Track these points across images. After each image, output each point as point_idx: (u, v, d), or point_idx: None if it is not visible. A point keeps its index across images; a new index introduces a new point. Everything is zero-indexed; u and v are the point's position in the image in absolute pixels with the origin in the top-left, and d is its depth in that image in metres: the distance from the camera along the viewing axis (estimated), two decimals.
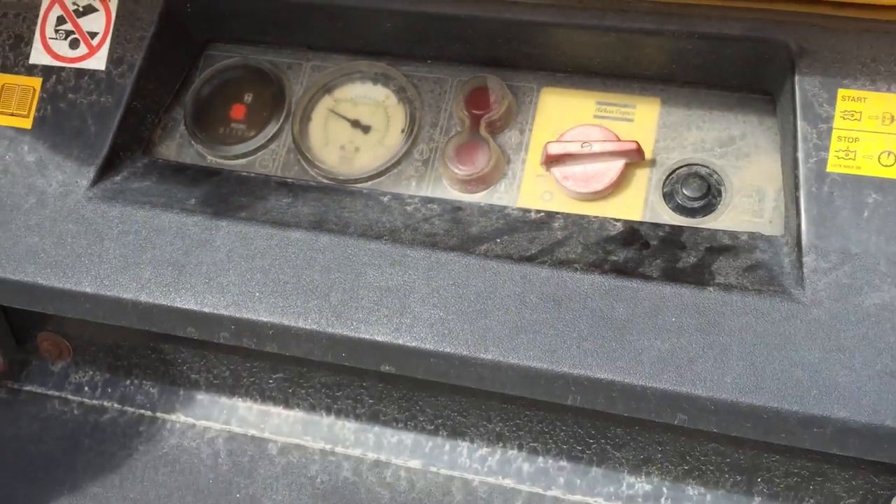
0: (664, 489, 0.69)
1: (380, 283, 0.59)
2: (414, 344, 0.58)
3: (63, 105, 0.68)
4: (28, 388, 0.83)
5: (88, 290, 0.63)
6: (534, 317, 0.57)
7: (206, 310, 0.61)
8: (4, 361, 0.82)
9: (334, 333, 0.59)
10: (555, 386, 0.56)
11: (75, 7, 0.69)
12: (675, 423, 0.55)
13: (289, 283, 0.60)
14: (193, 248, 0.63)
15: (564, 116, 0.65)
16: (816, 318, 0.53)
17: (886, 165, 0.54)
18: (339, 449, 0.76)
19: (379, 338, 0.58)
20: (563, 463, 0.71)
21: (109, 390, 0.81)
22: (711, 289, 0.55)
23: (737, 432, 0.54)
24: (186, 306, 0.61)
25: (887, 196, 0.54)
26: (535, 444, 0.72)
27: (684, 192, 0.62)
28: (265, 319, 0.60)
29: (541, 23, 0.63)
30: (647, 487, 0.70)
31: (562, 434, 0.70)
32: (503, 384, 0.57)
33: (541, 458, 0.72)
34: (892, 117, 0.54)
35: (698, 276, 0.56)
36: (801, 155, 0.55)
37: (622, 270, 0.57)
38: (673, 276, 0.56)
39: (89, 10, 0.68)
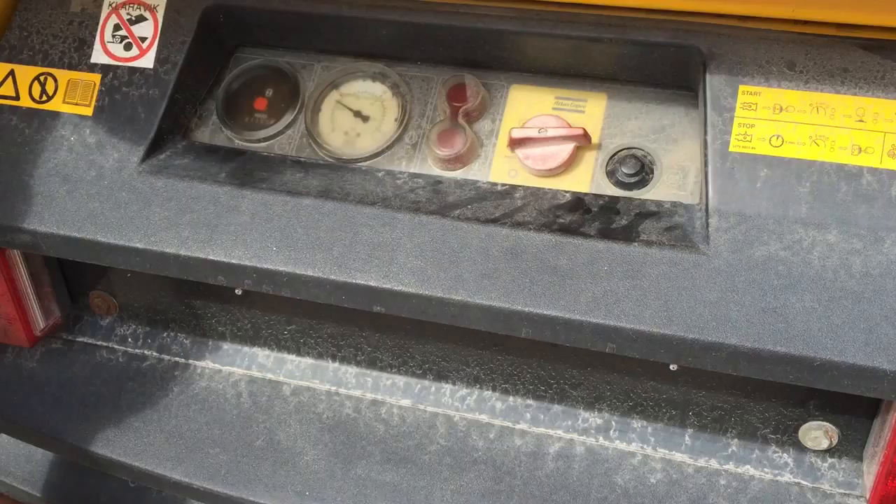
0: (613, 422, 0.82)
1: (373, 240, 0.73)
2: (399, 288, 0.71)
3: (118, 96, 0.82)
4: (80, 339, 0.97)
5: (139, 245, 0.77)
6: (495, 266, 0.70)
7: (234, 261, 0.75)
8: (61, 316, 0.97)
9: (336, 280, 0.73)
10: (511, 321, 0.70)
11: (129, 17, 0.83)
12: (607, 350, 0.68)
13: (300, 240, 0.74)
14: (223, 213, 0.77)
15: (529, 108, 0.79)
16: (717, 267, 0.66)
17: (776, 146, 0.67)
18: (342, 390, 0.89)
19: (371, 283, 0.72)
20: (530, 401, 0.85)
21: (149, 341, 0.95)
22: (636, 244, 0.69)
23: (655, 357, 0.68)
24: (217, 258, 0.75)
25: (775, 170, 0.67)
26: (506, 386, 0.85)
27: (623, 170, 0.75)
28: (281, 269, 0.74)
29: (507, 31, 0.76)
30: (599, 421, 0.83)
31: (528, 377, 0.83)
32: (470, 321, 0.71)
33: (511, 398, 0.85)
34: (781, 107, 0.68)
35: (627, 235, 0.70)
36: (709, 138, 0.69)
37: (567, 230, 0.70)
38: (607, 234, 0.70)
39: (140, 19, 0.83)
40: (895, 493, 0.70)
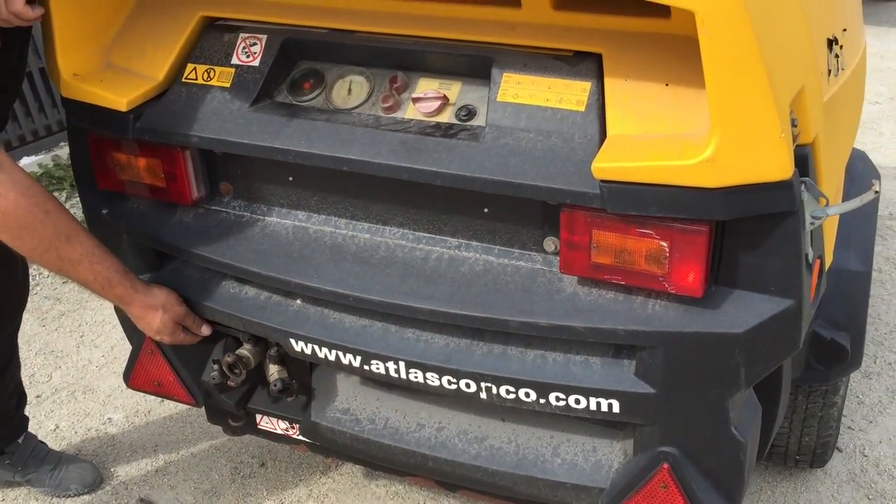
0: (460, 243, 1.68)
1: (350, 136, 1.62)
2: (352, 157, 1.60)
3: (241, 79, 1.73)
4: (213, 207, 1.88)
5: (244, 141, 1.67)
6: (401, 140, 1.58)
7: (284, 146, 1.65)
8: (205, 193, 1.88)
9: (331, 155, 1.62)
10: (398, 171, 1.57)
11: (249, 41, 1.76)
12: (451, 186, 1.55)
13: (319, 135, 1.64)
14: (282, 128, 1.67)
15: (426, 86, 1.66)
16: (487, 146, 1.53)
17: (516, 99, 1.53)
18: (337, 230, 1.76)
19: (349, 156, 1.61)
20: (425, 234, 1.71)
21: (246, 208, 1.85)
22: (457, 138, 1.56)
23: (470, 189, 1.53)
24: (279, 146, 1.65)
25: (517, 109, 1.53)
26: (418, 229, 1.71)
27: (461, 114, 1.62)
28: (305, 150, 1.63)
29: (415, 51, 1.65)
30: (456, 242, 1.68)
31: (424, 221, 1.70)
32: (373, 170, 1.58)
33: (420, 233, 1.71)
34: (520, 83, 1.54)
35: (456, 133, 1.57)
36: (490, 96, 1.56)
37: (427, 133, 1.58)
38: (449, 134, 1.57)
39: (254, 43, 1.76)
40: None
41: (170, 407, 2.91)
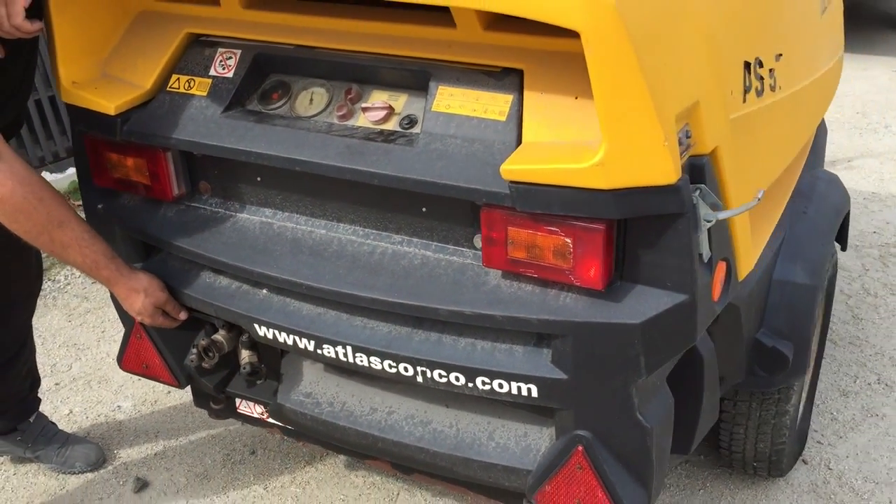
0: (401, 239, 1.86)
1: (304, 140, 1.81)
2: (306, 158, 1.79)
3: (217, 88, 1.95)
4: (192, 203, 2.09)
5: (216, 143, 1.88)
6: (347, 144, 1.77)
7: (250, 149, 1.85)
8: (185, 191, 2.08)
9: (284, 156, 1.81)
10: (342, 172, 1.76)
11: (226, 56, 1.97)
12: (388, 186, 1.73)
13: (276, 140, 1.83)
14: (248, 132, 1.87)
15: (376, 98, 1.85)
16: (419, 150, 1.70)
17: (448, 110, 1.71)
18: (297, 226, 1.95)
19: (301, 157, 1.80)
20: (373, 231, 1.89)
21: (221, 205, 2.06)
22: (393, 143, 1.74)
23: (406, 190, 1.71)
24: (245, 148, 1.85)
25: (449, 118, 1.70)
26: (367, 225, 1.89)
27: (404, 122, 1.80)
28: (265, 152, 1.83)
29: (368, 66, 1.84)
30: (398, 238, 1.86)
31: (374, 219, 1.88)
32: (323, 171, 1.77)
33: (368, 230, 1.89)
34: (452, 94, 1.71)
35: (394, 139, 1.75)
36: (426, 105, 1.74)
37: (372, 139, 1.76)
38: (388, 139, 1.75)
39: (229, 57, 1.96)
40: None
41: (173, 398, 3.12)
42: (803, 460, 2.80)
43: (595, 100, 1.43)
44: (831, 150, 5.32)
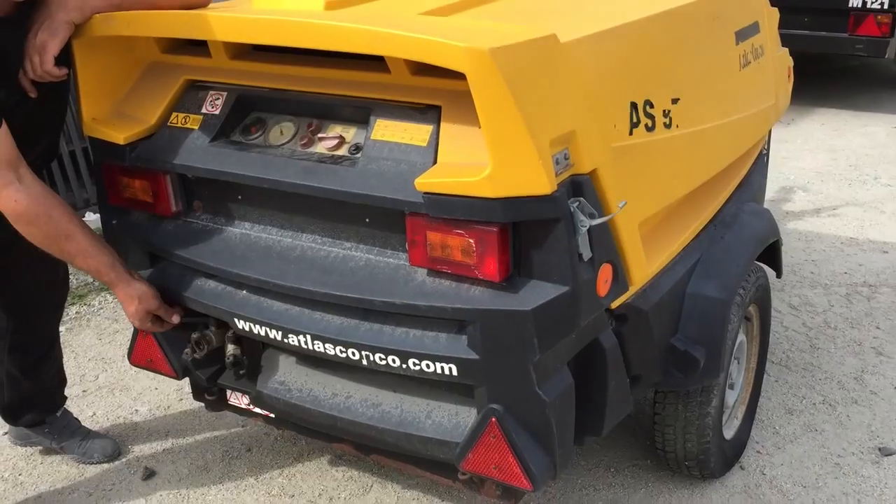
0: (351, 245, 2.25)
1: (270, 163, 2.23)
2: (275, 178, 2.20)
3: (207, 122, 2.37)
4: (188, 219, 2.50)
5: (207, 167, 2.31)
6: (305, 167, 2.18)
7: (228, 170, 2.27)
8: (182, 208, 2.50)
9: (254, 175, 2.23)
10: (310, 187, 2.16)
11: (215, 97, 2.40)
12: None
13: (250, 162, 2.25)
14: (231, 158, 2.29)
15: (332, 131, 2.27)
16: (362, 167, 2.10)
17: (390, 138, 2.11)
18: (270, 236, 2.36)
19: (270, 176, 2.21)
20: (339, 241, 2.29)
21: (211, 219, 2.47)
22: (341, 164, 2.15)
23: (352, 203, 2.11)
24: (224, 170, 2.27)
25: (386, 146, 2.10)
26: (327, 236, 2.29)
27: (352, 148, 2.21)
28: (242, 172, 2.25)
29: (334, 104, 2.26)
30: (348, 244, 2.26)
31: (348, 232, 2.28)
32: (287, 187, 2.18)
33: (327, 238, 2.29)
34: (388, 126, 2.11)
35: (342, 161, 2.16)
36: (368, 131, 2.14)
37: (323, 161, 2.17)
38: (336, 161, 2.16)
39: (217, 97, 2.39)
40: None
41: (184, 404, 3.53)
42: (741, 466, 3.09)
43: (481, 125, 1.82)
44: (819, 199, 5.62)
